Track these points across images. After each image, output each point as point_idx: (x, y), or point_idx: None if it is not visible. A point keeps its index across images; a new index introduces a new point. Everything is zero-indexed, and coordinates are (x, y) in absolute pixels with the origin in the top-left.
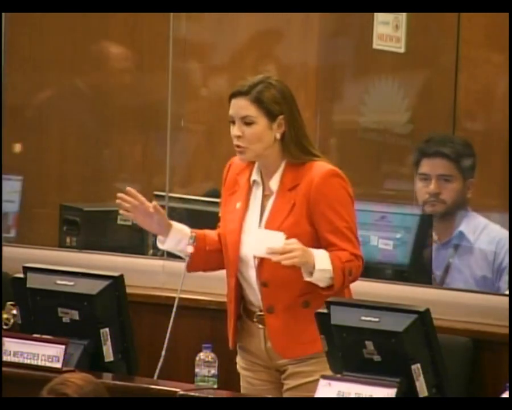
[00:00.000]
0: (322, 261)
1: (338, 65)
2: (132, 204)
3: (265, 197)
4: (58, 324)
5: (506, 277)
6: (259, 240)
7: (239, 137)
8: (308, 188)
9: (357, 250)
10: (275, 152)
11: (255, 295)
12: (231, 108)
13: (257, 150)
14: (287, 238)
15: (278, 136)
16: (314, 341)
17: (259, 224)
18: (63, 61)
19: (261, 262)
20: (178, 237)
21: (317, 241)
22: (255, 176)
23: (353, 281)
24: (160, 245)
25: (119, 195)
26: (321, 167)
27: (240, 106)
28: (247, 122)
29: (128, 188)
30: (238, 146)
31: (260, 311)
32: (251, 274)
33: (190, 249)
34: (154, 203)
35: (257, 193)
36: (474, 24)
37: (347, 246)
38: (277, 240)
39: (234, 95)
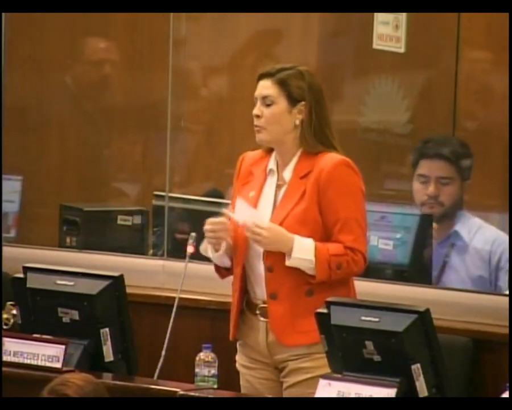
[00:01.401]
0: (302, 250)
1: (338, 65)
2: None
3: (278, 187)
4: (58, 324)
5: (505, 276)
6: (242, 209)
7: (258, 117)
8: (319, 175)
9: (358, 244)
10: (293, 139)
11: (259, 284)
12: (257, 89)
13: (274, 133)
14: (297, 225)
15: (297, 122)
16: (314, 331)
17: (271, 212)
18: (63, 61)
19: None
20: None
21: (326, 231)
22: (271, 165)
23: (348, 274)
24: (208, 255)
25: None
26: (334, 156)
27: (264, 86)
28: (268, 102)
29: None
30: (256, 126)
31: (264, 303)
32: (258, 261)
33: (190, 249)
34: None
35: (271, 183)
36: (474, 24)
37: (347, 238)
38: (254, 218)
39: (262, 76)
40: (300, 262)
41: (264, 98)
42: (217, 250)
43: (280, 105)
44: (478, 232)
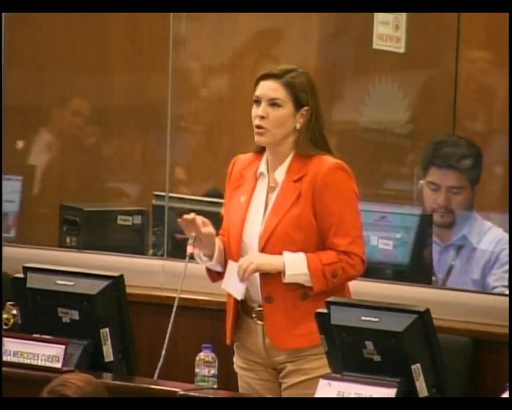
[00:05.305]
0: (294, 266)
1: (338, 65)
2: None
3: (270, 189)
4: (58, 324)
5: (494, 275)
6: (232, 281)
7: (262, 118)
8: (313, 178)
9: (354, 247)
10: (289, 142)
11: (254, 287)
12: (260, 89)
13: (277, 135)
14: (291, 229)
15: (298, 126)
16: (310, 334)
17: (263, 215)
18: (63, 61)
19: (263, 250)
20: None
21: (320, 234)
22: (262, 168)
23: (346, 279)
24: (205, 264)
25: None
26: (328, 159)
27: (271, 88)
28: (275, 104)
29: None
30: (259, 127)
31: (259, 306)
32: None
33: (190, 249)
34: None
35: (262, 186)
36: (474, 24)
37: (342, 242)
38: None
39: (266, 76)
40: (296, 278)
41: (271, 99)
42: (210, 258)
43: (286, 108)
44: (486, 234)
